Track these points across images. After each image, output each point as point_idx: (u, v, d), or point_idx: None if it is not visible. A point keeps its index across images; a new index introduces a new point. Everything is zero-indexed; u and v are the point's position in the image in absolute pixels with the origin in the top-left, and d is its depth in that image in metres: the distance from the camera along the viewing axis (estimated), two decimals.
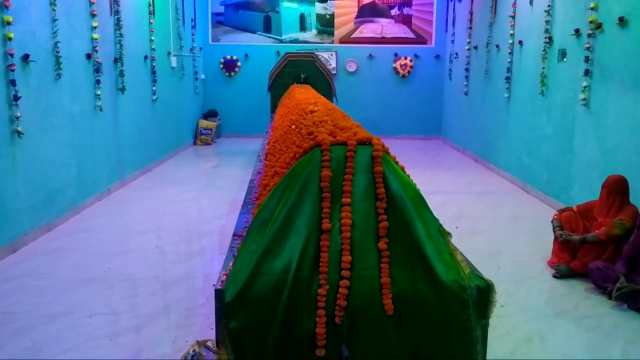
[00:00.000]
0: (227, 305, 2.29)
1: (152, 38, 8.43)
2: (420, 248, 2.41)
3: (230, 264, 2.53)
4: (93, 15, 6.32)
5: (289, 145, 3.27)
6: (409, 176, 2.72)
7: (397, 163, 2.68)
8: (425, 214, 2.55)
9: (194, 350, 2.37)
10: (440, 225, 2.61)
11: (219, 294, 2.31)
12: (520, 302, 4.02)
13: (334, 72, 11.39)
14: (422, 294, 2.37)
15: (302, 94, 6.25)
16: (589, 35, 5.65)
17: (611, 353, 3.34)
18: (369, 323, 2.33)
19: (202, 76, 11.49)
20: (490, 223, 5.94)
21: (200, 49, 11.43)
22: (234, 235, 3.06)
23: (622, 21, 5.08)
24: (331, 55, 11.67)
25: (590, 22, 5.61)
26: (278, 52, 11.30)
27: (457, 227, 5.69)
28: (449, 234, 2.63)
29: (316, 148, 2.54)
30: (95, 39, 6.35)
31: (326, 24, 11.77)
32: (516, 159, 7.72)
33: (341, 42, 11.82)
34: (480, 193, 7.34)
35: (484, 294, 2.44)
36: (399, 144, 11.18)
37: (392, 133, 11.69)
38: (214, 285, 2.49)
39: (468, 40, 9.95)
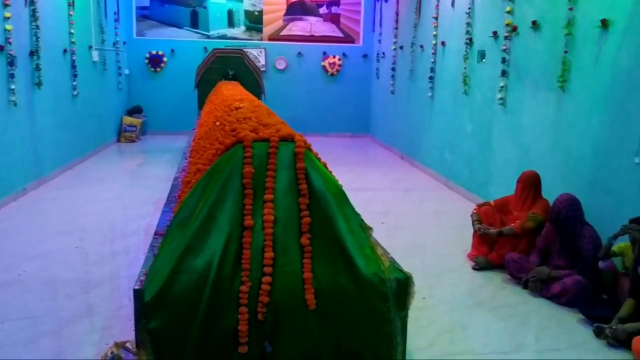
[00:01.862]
0: (146, 305, 2.25)
1: (72, 31, 8.08)
2: (342, 243, 2.45)
3: (151, 263, 2.48)
4: (5, 5, 5.98)
5: (212, 142, 3.24)
6: (331, 172, 2.75)
7: (319, 159, 2.71)
8: (347, 209, 2.59)
9: (112, 352, 2.30)
10: (362, 220, 2.67)
11: (137, 294, 2.26)
12: (441, 294, 4.16)
13: (263, 69, 11.33)
14: (344, 288, 2.41)
15: (229, 91, 6.19)
16: (506, 38, 5.91)
17: (525, 339, 3.51)
18: (291, 318, 2.35)
19: (126, 71, 11.14)
20: (415, 218, 6.10)
21: (124, 43, 11.07)
22: (155, 234, 2.99)
23: (535, 25, 5.35)
24: (260, 52, 11.61)
25: (507, 25, 5.87)
26: (205, 48, 11.11)
27: (382, 223, 5.81)
28: (370, 228, 2.69)
29: (238, 144, 2.53)
30: (9, 30, 6.01)
31: (255, 21, 11.70)
32: (439, 156, 7.97)
33: (270, 39, 11.79)
34: (406, 189, 7.54)
35: (403, 286, 2.51)
36: (328, 141, 11.30)
37: (321, 131, 11.78)
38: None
39: (394, 40, 10.18)
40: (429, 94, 8.29)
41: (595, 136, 4.47)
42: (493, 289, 4.27)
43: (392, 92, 10.36)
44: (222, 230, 2.34)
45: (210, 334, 2.28)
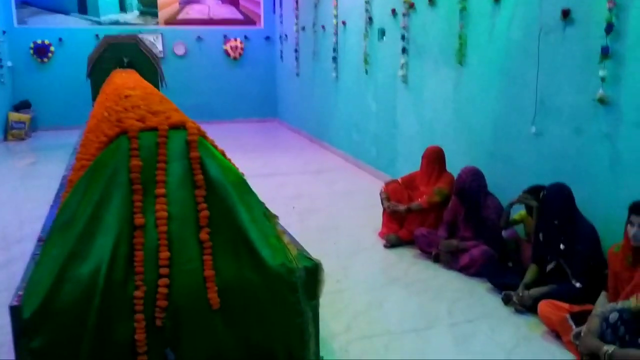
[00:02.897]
0: (26, 323, 1.99)
1: None
2: (245, 234, 2.30)
3: (30, 274, 2.21)
4: None
5: (98, 134, 2.95)
6: (229, 160, 2.58)
7: (215, 147, 2.52)
8: (249, 198, 2.44)
9: None
10: (266, 209, 2.53)
11: (14, 311, 1.99)
12: (355, 275, 4.12)
13: (161, 56, 10.81)
14: (250, 282, 2.27)
15: (123, 79, 5.80)
16: (404, 15, 5.93)
17: (439, 312, 3.53)
18: (194, 321, 2.17)
19: (9, 63, 10.24)
20: (326, 200, 6.04)
21: (4, 32, 10.15)
22: (38, 240, 2.69)
23: (431, 1, 5.39)
24: (156, 37, 11.06)
25: (405, 1, 5.89)
26: (97, 36, 10.43)
27: (294, 207, 5.71)
28: (275, 217, 2.55)
29: (123, 135, 2.30)
30: None
31: (149, 4, 11.11)
32: (347, 136, 7.97)
33: (167, 23, 11.26)
34: (316, 172, 7.47)
35: (312, 274, 2.40)
36: (236, 128, 11.05)
37: (227, 117, 11.48)
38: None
39: (296, 21, 10.02)
40: (333, 75, 8.24)
41: (494, 108, 4.58)
42: (405, 265, 4.28)
43: (297, 74, 10.23)
44: (110, 232, 2.11)
45: (103, 347, 2.06)
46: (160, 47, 11.05)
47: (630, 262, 3.00)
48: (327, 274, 4.01)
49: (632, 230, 2.90)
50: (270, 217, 2.49)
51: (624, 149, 3.36)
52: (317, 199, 6.09)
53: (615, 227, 3.35)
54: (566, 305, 3.17)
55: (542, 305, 3.25)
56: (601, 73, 3.42)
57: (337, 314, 3.47)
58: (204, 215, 2.26)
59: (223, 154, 2.57)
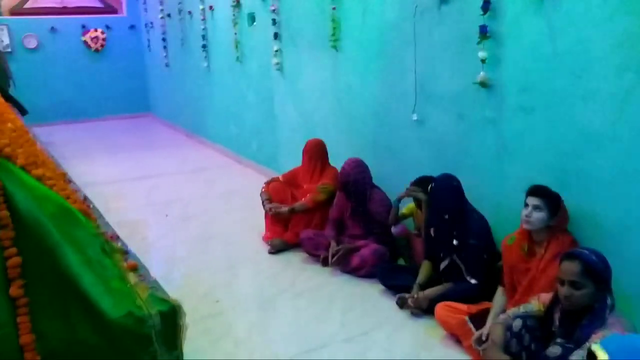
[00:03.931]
0: None
1: None
2: (75, 282, 1.77)
3: None
4: None
5: None
6: (52, 187, 2.02)
7: (30, 170, 1.95)
8: (78, 232, 1.90)
9: None
10: (105, 242, 2.00)
11: None
12: (237, 290, 3.68)
13: (8, 50, 9.56)
14: (85, 344, 1.76)
15: None
16: None
17: (331, 327, 3.20)
18: None
19: None
20: (204, 204, 5.51)
21: None
22: None
23: None
24: (1, 30, 9.75)
25: None
26: None
27: (167, 215, 5.14)
28: (119, 250, 2.04)
29: None
30: None
31: None
32: (225, 130, 7.45)
33: (12, 14, 9.97)
34: (193, 171, 6.88)
35: (170, 319, 1.93)
36: (104, 126, 10.11)
37: (94, 115, 10.47)
38: None
39: (161, 7, 9.22)
40: (205, 64, 7.65)
41: (373, 96, 4.30)
42: (292, 272, 3.91)
43: (167, 65, 9.47)
44: None
45: None
46: (6, 41, 9.76)
47: (526, 252, 2.83)
48: (205, 294, 3.60)
49: (524, 211, 2.72)
50: (111, 252, 1.97)
51: (508, 134, 3.18)
52: (193, 202, 5.54)
53: (505, 216, 3.19)
54: (464, 307, 2.96)
55: (439, 309, 3.01)
56: (481, 54, 3.21)
57: (215, 344, 3.02)
58: (13, 263, 1.70)
59: (41, 178, 2.00)
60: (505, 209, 3.22)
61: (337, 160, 4.33)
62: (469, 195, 3.28)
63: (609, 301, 2.14)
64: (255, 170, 6.51)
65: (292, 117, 5.62)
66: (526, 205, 2.74)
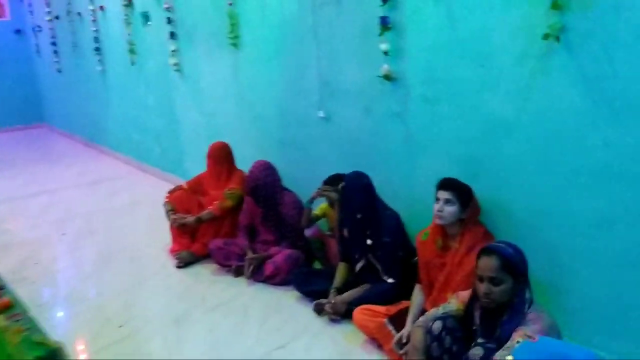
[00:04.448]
0: None
1: None
2: None
3: None
4: None
5: None
6: None
7: None
8: None
9: None
10: None
11: None
12: (142, 312, 3.38)
13: None
14: None
15: None
16: None
17: (246, 343, 2.99)
18: None
19: None
20: (105, 217, 5.11)
21: None
22: None
23: None
24: None
25: None
26: None
27: (63, 234, 4.71)
28: None
29: None
30: None
31: None
32: (126, 137, 7.01)
33: None
34: (93, 183, 6.40)
35: None
36: None
37: None
38: None
39: (48, 9, 8.57)
40: (99, 68, 7.17)
41: (277, 93, 4.12)
42: (203, 287, 3.66)
43: (59, 71, 8.82)
44: None
45: None
46: None
47: (440, 246, 2.76)
48: (109, 318, 3.29)
49: (436, 206, 2.65)
50: None
51: (415, 127, 3.11)
52: (94, 217, 5.12)
53: (418, 210, 3.12)
54: (382, 309, 2.85)
55: (357, 313, 2.89)
56: (382, 46, 3.11)
57: None
58: None
59: None
60: (418, 203, 3.15)
61: (245, 163, 4.10)
62: (381, 191, 3.18)
63: (527, 295, 2.08)
64: (161, 178, 6.16)
65: (195, 119, 5.34)
66: (437, 199, 2.67)
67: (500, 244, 2.12)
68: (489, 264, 2.05)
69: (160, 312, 3.38)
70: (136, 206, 5.39)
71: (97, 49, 7.08)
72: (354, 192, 3.04)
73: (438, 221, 2.67)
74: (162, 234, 4.32)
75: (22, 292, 3.13)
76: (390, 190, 3.28)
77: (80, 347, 3.05)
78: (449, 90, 2.86)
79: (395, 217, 3.07)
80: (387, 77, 3.15)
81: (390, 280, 3.01)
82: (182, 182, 4.55)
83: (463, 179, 2.74)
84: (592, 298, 2.45)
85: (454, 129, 2.89)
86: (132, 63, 6.22)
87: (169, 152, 5.99)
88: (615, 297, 2.37)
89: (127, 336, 3.09)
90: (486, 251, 2.09)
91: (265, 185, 3.64)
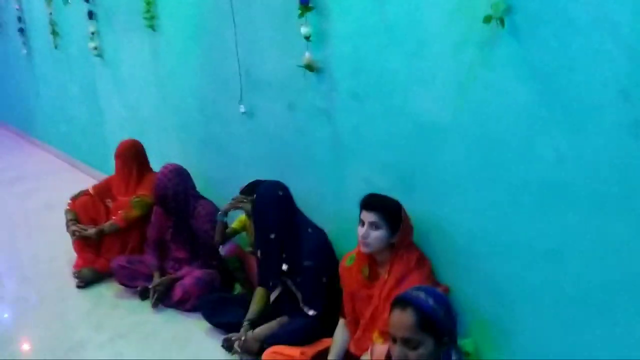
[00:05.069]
0: None
1: None
2: None
3: None
4: None
5: None
6: None
7: None
8: None
9: None
10: None
11: None
12: (33, 342, 2.83)
13: None
14: None
15: None
16: None
17: None
18: None
19: None
20: (12, 225, 4.50)
21: None
22: None
23: None
24: None
25: None
26: None
27: None
28: None
29: None
30: None
31: None
32: (55, 128, 6.37)
33: None
34: (12, 180, 5.76)
35: None
36: None
37: None
38: None
39: None
40: (24, 51, 6.48)
41: (197, 83, 3.56)
42: (102, 312, 3.12)
43: None
44: None
45: None
46: None
47: (367, 275, 2.28)
48: None
49: (360, 231, 2.16)
50: None
51: (343, 128, 2.59)
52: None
53: (347, 226, 2.61)
54: (296, 352, 2.35)
55: (266, 357, 2.38)
56: (303, 30, 2.57)
57: None
58: None
59: None
60: (346, 217, 2.65)
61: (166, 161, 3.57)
62: (306, 203, 2.68)
63: (454, 357, 1.60)
64: (89, 175, 5.56)
65: (118, 111, 4.75)
66: (361, 222, 2.17)
67: (419, 293, 1.61)
68: (402, 320, 1.54)
69: (51, 343, 2.83)
70: (52, 210, 4.74)
71: (21, 30, 6.39)
72: (266, 206, 2.52)
73: (364, 249, 2.18)
74: (70, 245, 3.73)
75: None
76: (316, 201, 2.78)
77: None
78: (378, 85, 2.34)
79: (317, 237, 2.56)
80: (310, 67, 2.62)
81: (311, 312, 2.51)
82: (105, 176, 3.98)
83: (396, 191, 2.26)
84: (540, 339, 1.98)
85: (384, 130, 2.38)
86: (55, 46, 5.57)
87: (95, 147, 5.39)
88: (567, 338, 1.90)
89: None
90: (399, 303, 1.59)
91: (175, 195, 3.10)
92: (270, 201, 2.50)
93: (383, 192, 2.28)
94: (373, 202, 2.15)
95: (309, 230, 2.57)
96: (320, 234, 2.59)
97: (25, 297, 3.34)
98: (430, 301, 1.57)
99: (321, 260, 2.54)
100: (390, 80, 2.29)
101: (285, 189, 2.56)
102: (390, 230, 2.15)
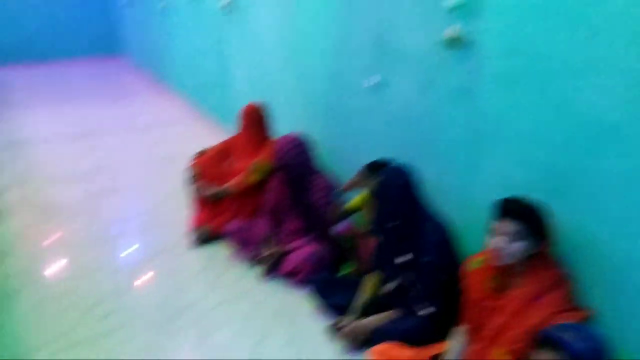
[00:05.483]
0: None
1: None
2: None
3: None
4: None
5: None
6: None
7: None
8: None
9: None
10: None
11: None
12: (133, 302, 2.88)
13: None
14: None
15: None
16: None
17: (242, 352, 2.45)
18: None
19: None
20: (136, 174, 4.65)
21: None
22: None
23: None
24: None
25: None
26: None
27: (86, 191, 4.26)
28: None
29: None
30: None
31: None
32: (187, 79, 6.53)
33: None
34: (144, 128, 6.00)
35: None
36: (70, 70, 9.16)
37: (59, 56, 9.53)
38: None
39: None
40: (161, 5, 6.66)
41: (326, 50, 3.38)
42: (213, 274, 3.13)
43: (131, 4, 8.45)
44: None
45: None
46: None
47: (495, 285, 2.03)
48: (93, 305, 2.83)
49: (492, 241, 1.91)
50: None
51: (486, 114, 2.30)
52: (123, 172, 4.66)
53: (475, 222, 2.36)
54: (407, 354, 2.17)
55: (375, 354, 2.23)
56: (451, 0, 2.29)
57: None
58: None
59: None
60: (473, 212, 2.40)
61: (286, 131, 3.48)
62: (431, 190, 2.45)
63: None
64: (216, 129, 5.63)
65: (245, 69, 4.72)
66: (495, 230, 1.91)
67: (567, 334, 1.35)
68: None
69: (153, 305, 2.85)
70: (176, 160, 4.86)
71: None
72: (390, 192, 2.32)
73: (498, 261, 1.93)
74: (188, 201, 3.79)
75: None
76: (441, 190, 2.55)
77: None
78: (536, 70, 2.03)
79: (441, 231, 2.33)
80: (454, 43, 2.35)
81: (425, 312, 2.31)
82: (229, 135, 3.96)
83: (539, 194, 1.98)
84: None
85: (536, 122, 2.07)
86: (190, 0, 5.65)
87: (222, 102, 5.45)
88: None
89: (98, 334, 2.61)
90: (546, 343, 1.34)
91: (295, 165, 2.98)
92: (395, 187, 2.30)
93: (523, 193, 2.00)
94: (516, 210, 1.88)
95: (432, 223, 2.34)
96: (442, 227, 2.36)
97: (141, 248, 3.43)
98: (581, 344, 1.32)
99: (442, 256, 2.32)
100: (552, 66, 1.97)
101: (410, 174, 2.34)
102: (533, 242, 1.88)
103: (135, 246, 3.45)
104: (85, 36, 9.89)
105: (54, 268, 3.22)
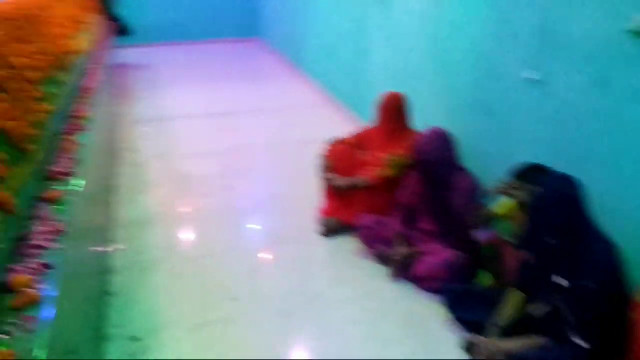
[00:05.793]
0: None
1: None
2: None
3: None
4: None
5: None
6: None
7: None
8: None
9: None
10: None
11: None
12: (262, 287, 2.86)
13: None
14: None
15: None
16: None
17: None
18: None
19: None
20: (271, 154, 4.69)
21: None
22: None
23: None
24: None
25: None
26: None
27: (222, 167, 4.37)
28: None
29: None
30: None
31: None
32: (322, 65, 6.49)
33: None
34: (278, 110, 6.05)
35: None
36: (207, 49, 9.53)
37: (205, 36, 9.95)
38: None
39: None
40: None
41: (476, 38, 3.11)
42: (339, 268, 3.03)
43: None
44: None
45: None
46: None
47: None
48: (220, 285, 2.85)
49: None
50: None
51: None
52: (257, 152, 4.73)
53: None
54: None
55: None
56: None
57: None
58: None
59: None
60: None
61: (428, 121, 3.27)
62: (598, 206, 2.13)
63: None
64: (348, 116, 5.54)
65: (384, 57, 4.54)
66: None
67: None
68: None
69: (279, 292, 2.80)
70: (308, 145, 4.83)
71: None
72: (552, 205, 2.03)
73: None
74: (318, 189, 3.70)
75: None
76: (612, 207, 2.21)
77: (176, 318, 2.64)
78: None
79: (611, 254, 2.01)
80: None
81: (582, 344, 2.01)
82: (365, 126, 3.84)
83: None
84: None
85: None
86: None
87: (356, 90, 5.32)
88: None
89: (226, 319, 2.59)
90: None
91: (436, 162, 2.77)
92: (558, 199, 2.01)
93: None
94: None
95: (599, 244, 2.03)
96: (610, 249, 2.04)
97: (270, 232, 3.42)
98: None
99: (607, 283, 2.00)
100: None
101: (577, 186, 2.04)
102: None
103: (264, 229, 3.44)
104: (229, 19, 10.23)
105: (187, 244, 3.31)
